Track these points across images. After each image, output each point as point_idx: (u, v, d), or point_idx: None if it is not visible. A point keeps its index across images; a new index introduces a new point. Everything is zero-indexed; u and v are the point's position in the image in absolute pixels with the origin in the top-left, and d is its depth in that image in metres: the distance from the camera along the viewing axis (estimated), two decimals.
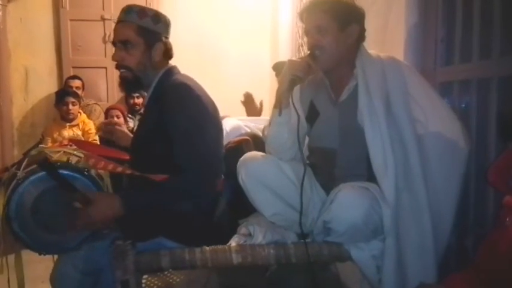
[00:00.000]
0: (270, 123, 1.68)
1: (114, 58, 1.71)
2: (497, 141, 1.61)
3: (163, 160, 1.60)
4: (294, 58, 1.72)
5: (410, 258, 1.51)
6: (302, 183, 1.52)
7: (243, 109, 3.04)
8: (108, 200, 1.53)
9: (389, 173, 1.52)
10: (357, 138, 1.59)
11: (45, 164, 1.49)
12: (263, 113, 3.06)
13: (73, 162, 1.58)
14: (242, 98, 2.90)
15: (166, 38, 1.73)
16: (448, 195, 1.58)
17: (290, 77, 1.55)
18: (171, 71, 1.73)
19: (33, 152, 1.65)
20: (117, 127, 1.99)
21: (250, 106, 2.86)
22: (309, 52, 1.64)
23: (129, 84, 1.73)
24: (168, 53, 1.74)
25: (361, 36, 1.67)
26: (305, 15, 1.68)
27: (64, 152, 1.64)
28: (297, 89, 1.65)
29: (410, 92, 1.63)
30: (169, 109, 1.60)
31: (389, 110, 1.59)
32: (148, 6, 4.59)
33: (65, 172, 1.52)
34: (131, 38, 1.67)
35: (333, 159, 1.68)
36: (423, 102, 1.62)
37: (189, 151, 1.57)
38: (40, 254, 1.56)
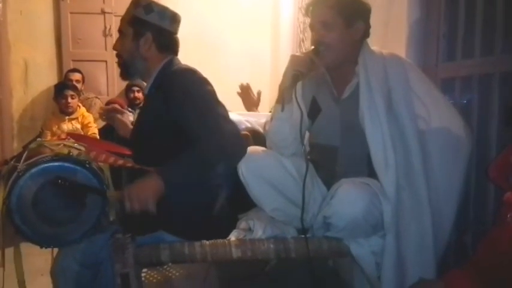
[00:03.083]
0: (271, 118, 1.67)
1: (113, 46, 1.79)
2: (499, 137, 1.61)
3: (166, 150, 1.60)
4: (297, 53, 1.70)
5: (409, 255, 1.51)
6: (304, 180, 1.51)
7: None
8: (144, 180, 1.49)
9: (390, 171, 1.51)
10: (358, 135, 1.58)
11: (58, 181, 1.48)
12: (263, 107, 3.04)
13: (74, 155, 1.58)
14: (238, 90, 2.88)
15: (162, 28, 1.70)
16: (450, 193, 1.58)
17: (293, 73, 1.53)
18: (172, 61, 1.73)
19: (32, 145, 1.65)
20: (118, 116, 1.98)
21: (247, 98, 2.83)
22: (312, 47, 1.62)
23: (121, 70, 1.76)
24: (163, 45, 1.71)
25: (365, 33, 1.65)
26: (311, 9, 1.66)
27: (64, 145, 1.63)
28: (299, 85, 1.64)
29: (412, 88, 1.62)
30: (176, 95, 1.59)
31: (391, 107, 1.58)
32: None
33: (66, 165, 1.51)
34: (123, 27, 1.72)
35: (334, 156, 1.67)
36: (425, 99, 1.61)
37: (210, 119, 1.54)
38: (41, 247, 1.56)
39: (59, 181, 1.45)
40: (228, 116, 1.63)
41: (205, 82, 1.65)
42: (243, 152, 1.57)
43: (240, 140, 1.58)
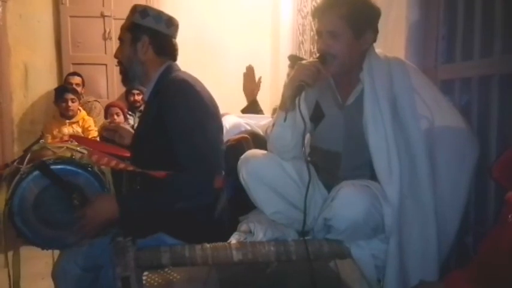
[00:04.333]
0: (273, 123, 1.64)
1: (114, 55, 1.81)
2: (498, 138, 1.61)
3: (163, 156, 1.60)
4: (304, 61, 1.65)
5: (412, 264, 1.51)
6: (307, 190, 1.50)
7: (243, 106, 3.03)
8: (105, 201, 1.55)
9: (394, 179, 1.51)
10: (362, 142, 1.58)
11: (41, 165, 1.49)
12: (263, 110, 3.05)
13: (76, 158, 1.58)
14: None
15: (158, 31, 1.71)
16: (455, 200, 1.57)
17: (298, 83, 1.51)
18: (172, 67, 1.74)
19: (35, 147, 1.65)
20: (120, 125, 2.00)
21: (250, 79, 2.88)
22: (319, 55, 1.60)
23: (122, 77, 1.79)
24: (160, 48, 1.73)
25: (373, 41, 1.62)
26: (319, 14, 1.61)
27: (67, 147, 1.64)
28: None
29: (417, 92, 1.61)
30: (169, 105, 1.60)
31: (397, 115, 1.57)
32: (149, 2, 4.63)
33: (68, 167, 1.52)
34: (122, 34, 1.76)
35: (336, 161, 1.67)
36: (430, 104, 1.61)
37: (189, 149, 1.56)
38: (42, 249, 1.56)
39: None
40: (214, 137, 1.65)
41: (199, 99, 1.64)
42: (211, 190, 1.59)
43: (210, 182, 1.58)
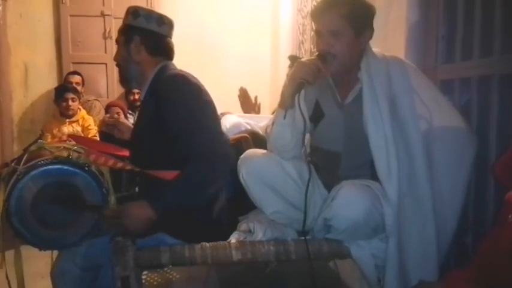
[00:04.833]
0: (273, 122, 1.65)
1: (113, 58, 1.84)
2: (498, 138, 1.61)
3: (161, 154, 1.60)
4: (304, 59, 1.65)
5: (412, 263, 1.51)
6: (307, 189, 1.49)
7: None
8: (138, 208, 1.52)
9: (393, 177, 1.51)
10: (362, 141, 1.58)
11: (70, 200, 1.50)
12: (262, 110, 3.04)
13: (73, 157, 1.58)
14: (238, 93, 2.90)
15: (149, 30, 1.72)
16: (453, 199, 1.58)
17: (299, 81, 1.50)
18: (167, 67, 1.74)
19: (32, 148, 1.65)
20: (120, 120, 2.00)
21: (246, 101, 2.85)
22: (318, 54, 1.60)
23: (119, 78, 1.81)
24: (152, 48, 1.73)
25: (370, 38, 1.63)
26: (318, 14, 1.61)
27: (64, 147, 1.63)
28: None
29: (416, 92, 1.61)
30: (168, 100, 1.60)
31: (396, 114, 1.57)
32: (149, 3, 4.63)
33: (65, 168, 1.52)
34: (118, 37, 1.79)
35: (336, 161, 1.67)
36: (429, 103, 1.61)
37: (196, 139, 1.55)
38: (40, 250, 1.56)
39: (60, 191, 1.48)
40: (217, 127, 1.64)
41: (195, 89, 1.64)
42: (228, 167, 1.59)
43: (227, 159, 1.57)
